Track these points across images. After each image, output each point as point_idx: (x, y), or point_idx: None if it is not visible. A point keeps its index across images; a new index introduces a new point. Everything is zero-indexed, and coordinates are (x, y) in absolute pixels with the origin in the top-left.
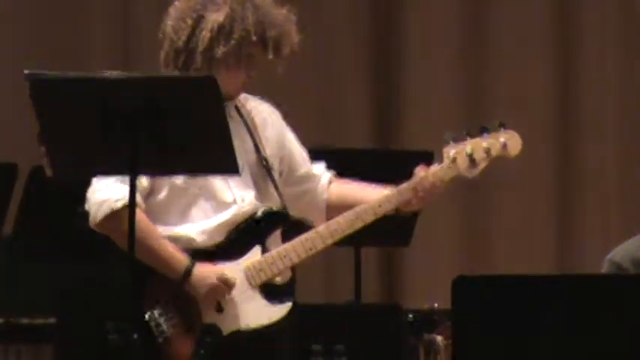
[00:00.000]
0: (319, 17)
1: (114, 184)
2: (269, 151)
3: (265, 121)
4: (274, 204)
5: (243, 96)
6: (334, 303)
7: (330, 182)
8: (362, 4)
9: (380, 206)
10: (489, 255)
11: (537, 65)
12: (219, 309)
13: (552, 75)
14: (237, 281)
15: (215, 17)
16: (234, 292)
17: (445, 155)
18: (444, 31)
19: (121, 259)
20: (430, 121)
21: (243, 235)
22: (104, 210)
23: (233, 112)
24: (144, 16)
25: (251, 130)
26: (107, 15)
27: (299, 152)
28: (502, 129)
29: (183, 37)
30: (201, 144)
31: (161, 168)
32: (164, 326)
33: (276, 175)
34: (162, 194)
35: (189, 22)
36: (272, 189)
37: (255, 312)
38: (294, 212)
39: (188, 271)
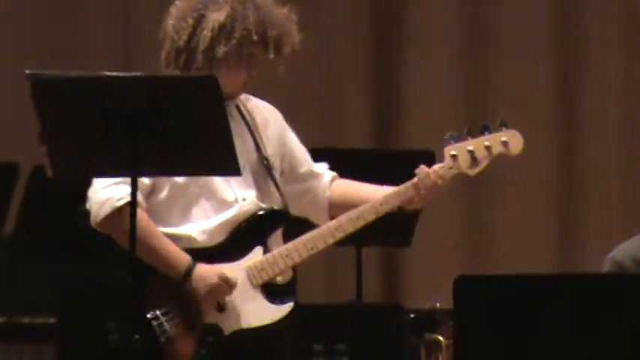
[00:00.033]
0: (320, 17)
1: (115, 184)
2: (270, 150)
3: (266, 120)
4: (275, 203)
5: (243, 95)
6: (335, 303)
7: (332, 181)
8: (362, 4)
9: (382, 205)
10: (491, 255)
11: (537, 65)
12: (221, 309)
13: (552, 75)
14: (239, 281)
15: (216, 17)
16: (236, 292)
17: (446, 154)
18: (444, 31)
19: (122, 258)
20: (430, 121)
21: (244, 235)
22: (106, 209)
23: (234, 112)
24: (144, 16)
25: (252, 130)
26: (107, 15)
27: (300, 150)
28: (503, 128)
29: (184, 37)
30: (203, 143)
31: (162, 168)
32: (166, 326)
33: (277, 175)
34: (164, 193)
35: (190, 21)
36: (273, 188)
37: (257, 312)
38: (296, 211)
39: (189, 271)
